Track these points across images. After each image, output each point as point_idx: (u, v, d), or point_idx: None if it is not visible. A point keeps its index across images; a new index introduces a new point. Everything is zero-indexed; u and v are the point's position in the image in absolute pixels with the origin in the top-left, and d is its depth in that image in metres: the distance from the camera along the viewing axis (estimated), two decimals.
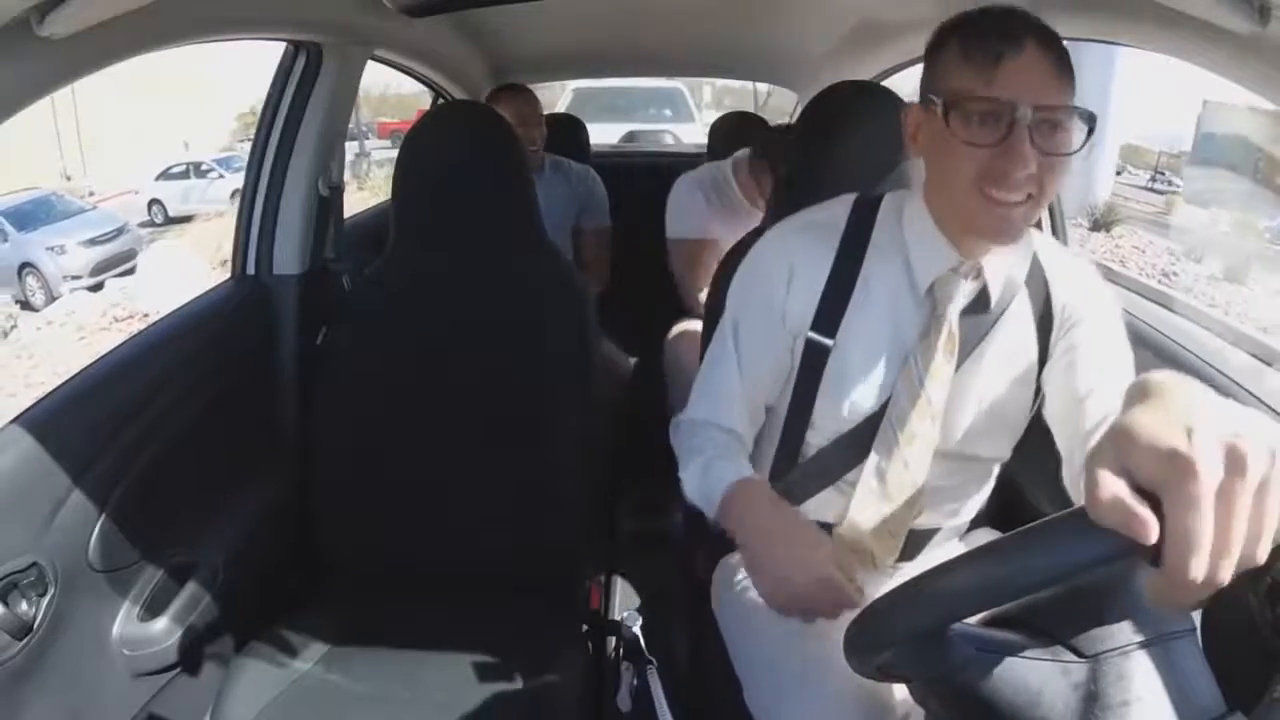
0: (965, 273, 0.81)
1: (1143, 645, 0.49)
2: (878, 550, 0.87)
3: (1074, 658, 0.50)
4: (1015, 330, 0.85)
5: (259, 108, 1.40)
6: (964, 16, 0.75)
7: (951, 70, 0.73)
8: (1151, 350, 1.06)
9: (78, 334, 7.44)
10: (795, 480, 0.90)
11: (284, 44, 1.29)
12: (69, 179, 13.23)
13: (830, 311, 0.85)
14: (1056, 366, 0.84)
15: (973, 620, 0.53)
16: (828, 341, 0.85)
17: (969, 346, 0.83)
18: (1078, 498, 0.84)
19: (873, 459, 0.85)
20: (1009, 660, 0.51)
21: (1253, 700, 0.50)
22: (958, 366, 0.82)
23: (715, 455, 0.86)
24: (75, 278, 9.00)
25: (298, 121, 1.32)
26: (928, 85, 0.77)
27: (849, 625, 0.55)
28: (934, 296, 0.82)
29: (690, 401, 0.93)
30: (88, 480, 0.91)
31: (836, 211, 0.89)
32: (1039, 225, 1.38)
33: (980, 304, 0.83)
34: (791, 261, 0.86)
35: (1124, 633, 0.50)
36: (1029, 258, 0.85)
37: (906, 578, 0.52)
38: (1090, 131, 0.72)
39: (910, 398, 0.82)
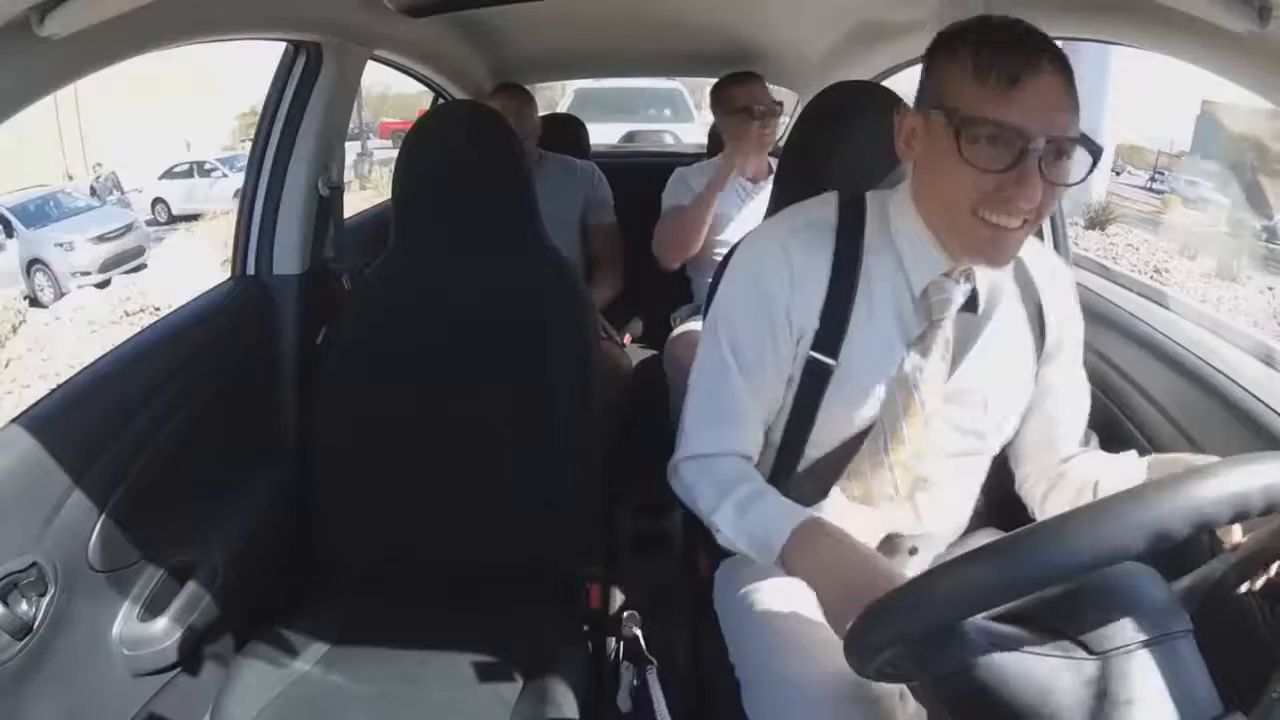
0: (958, 276, 0.81)
1: (1144, 645, 0.50)
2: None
3: (1085, 654, 0.50)
4: (1007, 329, 0.85)
5: (259, 107, 1.40)
6: (976, 27, 0.72)
7: (961, 85, 0.70)
8: (1148, 350, 1.06)
9: (89, 327, 7.50)
10: (791, 488, 0.87)
11: (284, 44, 1.29)
12: (71, 178, 13.22)
13: (832, 328, 0.82)
14: (1033, 395, 0.88)
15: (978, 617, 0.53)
16: (830, 362, 0.82)
17: (962, 347, 0.83)
18: (1034, 511, 0.92)
19: (856, 463, 0.84)
20: (1020, 656, 0.51)
21: (1253, 700, 0.50)
22: (952, 368, 0.83)
23: (747, 493, 0.81)
24: (84, 274, 8.96)
25: (298, 121, 1.32)
26: (931, 95, 0.74)
27: (850, 626, 0.55)
28: (929, 302, 0.81)
29: (689, 433, 0.88)
30: (88, 480, 0.91)
31: (825, 213, 0.86)
32: (1039, 230, 1.39)
33: (969, 304, 0.82)
34: (791, 262, 0.83)
35: (1126, 631, 0.50)
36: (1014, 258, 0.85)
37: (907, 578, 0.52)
38: (1094, 163, 0.71)
39: (904, 402, 0.81)
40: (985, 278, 0.83)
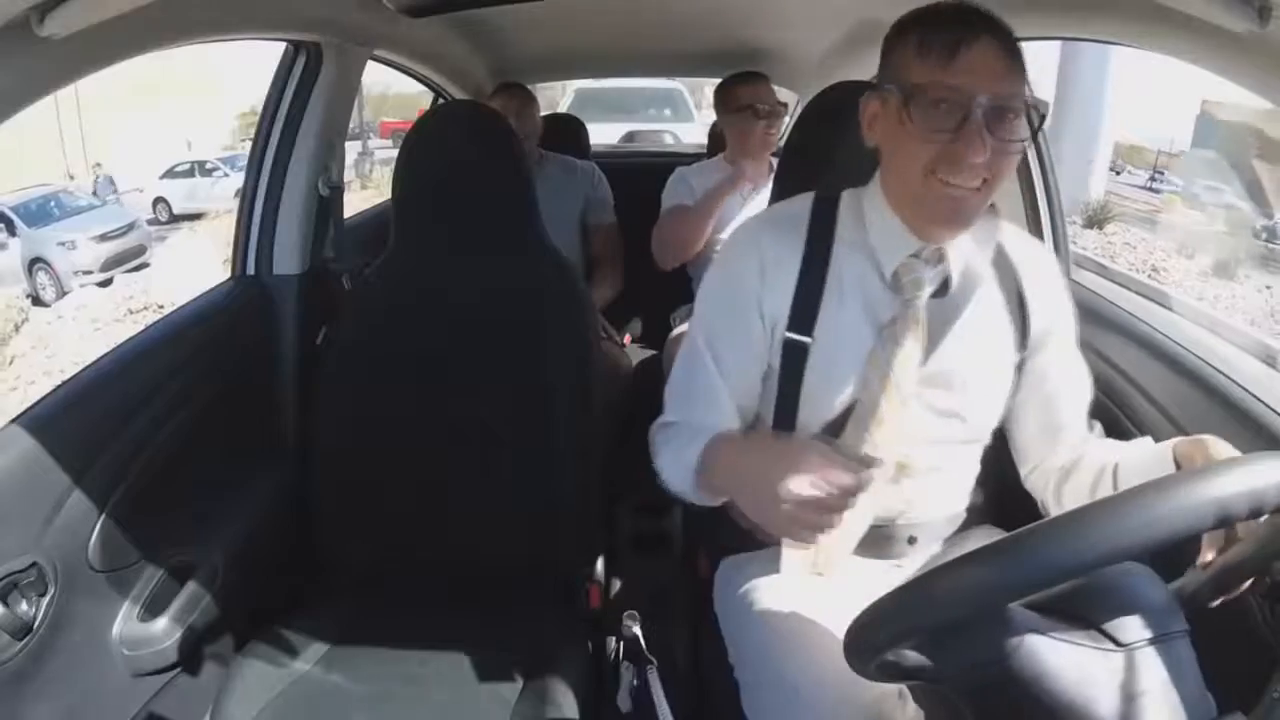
0: (928, 258, 0.82)
1: (1152, 641, 0.51)
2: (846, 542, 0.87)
3: (1113, 645, 0.51)
4: (985, 312, 0.86)
5: (259, 107, 1.40)
6: (921, 11, 0.77)
7: (909, 61, 0.75)
8: (1148, 350, 1.06)
9: (93, 325, 7.55)
10: None
11: (284, 44, 1.29)
12: (73, 178, 13.23)
13: (805, 309, 0.85)
14: (1027, 385, 0.88)
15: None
16: (805, 340, 0.85)
17: (938, 331, 0.84)
18: (1048, 502, 0.90)
19: (839, 445, 0.85)
20: (1055, 644, 0.51)
21: (1253, 700, 0.51)
22: (928, 351, 0.83)
23: (685, 441, 0.86)
24: (86, 273, 8.99)
25: (298, 121, 1.32)
26: (884, 76, 0.79)
27: (849, 626, 0.55)
28: (900, 283, 0.83)
29: (668, 408, 0.93)
30: (88, 480, 0.91)
31: (799, 207, 0.90)
32: (1039, 229, 1.39)
33: (942, 287, 0.84)
34: (761, 256, 0.86)
35: (1140, 625, 0.51)
36: (992, 244, 0.87)
37: (906, 575, 0.52)
38: (1041, 121, 0.75)
39: (880, 383, 0.83)
40: (959, 261, 0.84)
